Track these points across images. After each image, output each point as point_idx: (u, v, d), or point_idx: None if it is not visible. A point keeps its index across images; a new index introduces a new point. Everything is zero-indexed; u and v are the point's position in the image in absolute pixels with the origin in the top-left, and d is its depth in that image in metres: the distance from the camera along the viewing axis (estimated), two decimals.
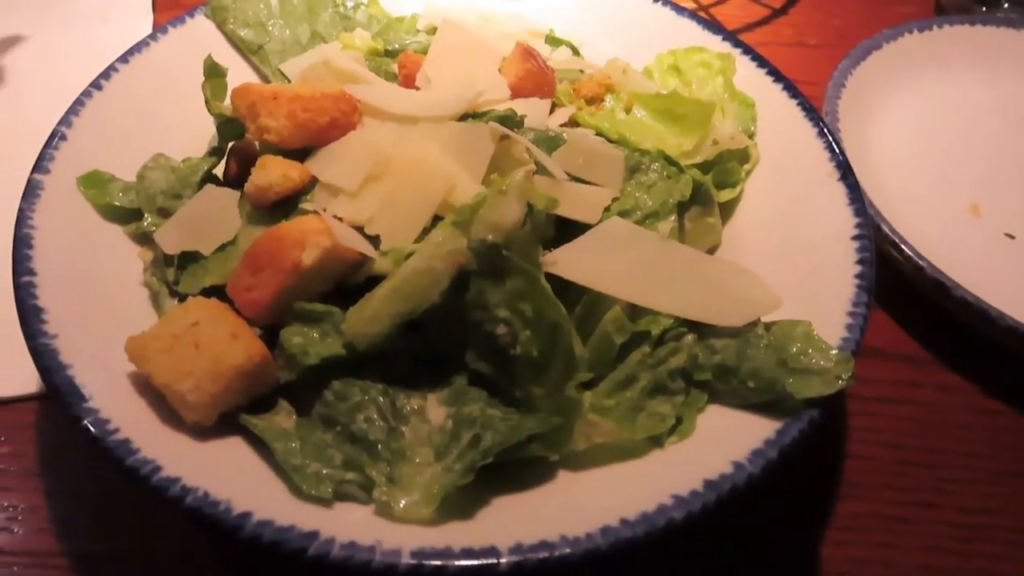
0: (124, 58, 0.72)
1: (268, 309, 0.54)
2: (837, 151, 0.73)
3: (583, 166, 0.65)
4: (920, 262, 0.77)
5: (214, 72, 0.63)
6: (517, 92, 0.69)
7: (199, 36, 0.78)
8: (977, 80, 1.07)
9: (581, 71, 0.80)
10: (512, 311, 0.54)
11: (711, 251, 0.73)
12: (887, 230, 0.80)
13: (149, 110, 0.71)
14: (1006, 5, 1.21)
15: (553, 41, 0.87)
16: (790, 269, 0.67)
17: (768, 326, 0.60)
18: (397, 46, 0.77)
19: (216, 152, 0.65)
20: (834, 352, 0.57)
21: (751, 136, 0.78)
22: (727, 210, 0.75)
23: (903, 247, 0.79)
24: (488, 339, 0.54)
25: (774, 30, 1.20)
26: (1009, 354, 0.77)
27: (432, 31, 0.82)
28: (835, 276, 0.64)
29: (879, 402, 0.76)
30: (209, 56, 0.63)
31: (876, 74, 1.01)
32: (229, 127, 0.62)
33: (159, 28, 0.76)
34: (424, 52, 0.75)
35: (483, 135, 0.60)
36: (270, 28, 0.80)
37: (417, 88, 0.69)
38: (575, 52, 0.87)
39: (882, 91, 1.01)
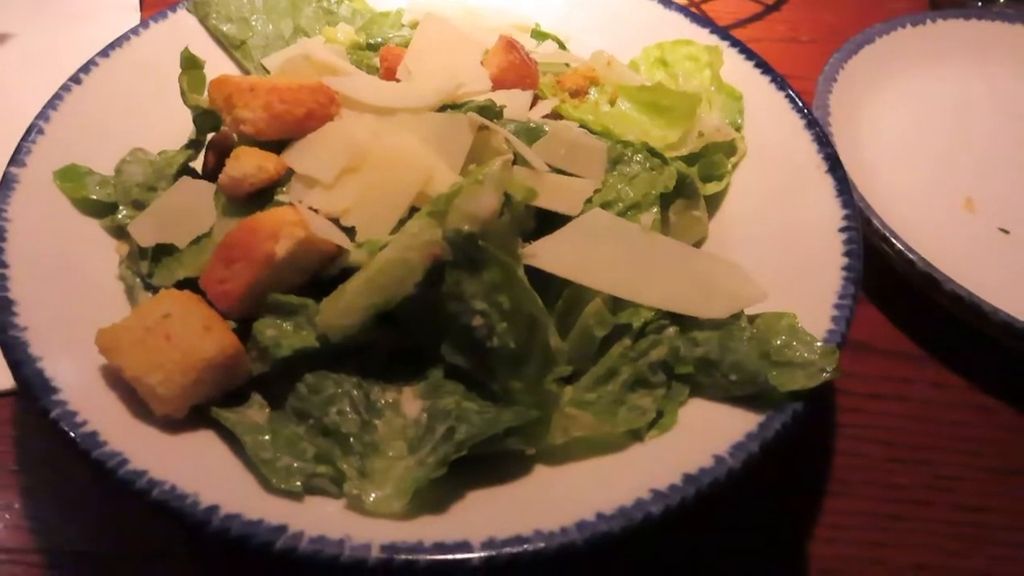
0: (104, 52, 0.72)
1: (241, 301, 0.53)
2: (825, 143, 0.72)
3: (564, 157, 0.64)
4: (910, 256, 0.76)
5: (191, 64, 0.62)
6: (499, 84, 0.68)
7: (181, 31, 0.77)
8: (971, 74, 1.06)
9: (566, 64, 0.79)
10: (489, 303, 0.53)
11: (697, 244, 0.72)
12: (878, 224, 0.79)
13: (129, 104, 0.71)
14: (1001, 0, 1.20)
15: (539, 35, 0.86)
16: (776, 261, 0.66)
17: (752, 318, 0.59)
18: (380, 40, 0.76)
19: (193, 145, 0.64)
20: (819, 345, 0.56)
21: (738, 129, 0.77)
22: (713, 203, 0.74)
23: (893, 241, 0.78)
24: (464, 331, 0.53)
25: (767, 26, 1.19)
26: (1003, 350, 0.76)
27: (416, 26, 0.81)
28: (822, 268, 0.63)
29: (871, 398, 0.75)
30: (186, 48, 0.63)
31: (868, 68, 1.00)
32: (206, 119, 0.62)
33: (141, 23, 0.76)
34: (406, 46, 0.74)
35: (461, 126, 0.59)
36: (253, 23, 0.80)
37: (398, 81, 0.69)
38: (561, 46, 0.86)
39: (874, 86, 1.00)
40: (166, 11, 0.78)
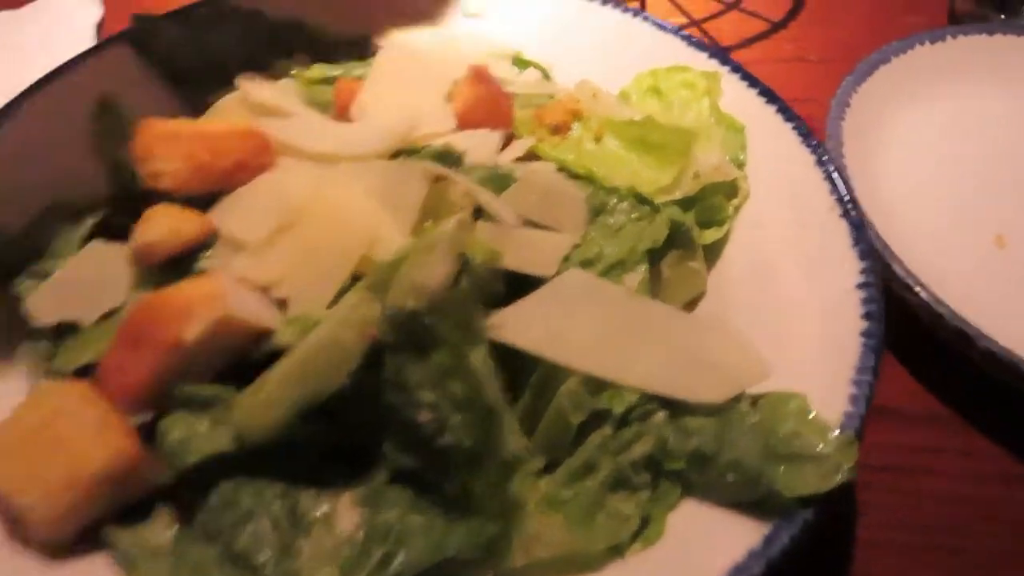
0: (26, 94, 0.64)
1: (142, 394, 0.45)
2: (838, 182, 0.63)
3: (538, 208, 0.55)
4: (939, 309, 0.67)
5: (107, 110, 0.54)
6: (465, 122, 0.60)
7: (120, 67, 0.69)
8: (998, 94, 0.96)
9: (551, 96, 0.71)
10: (438, 392, 0.45)
11: (695, 300, 0.64)
12: (899, 270, 0.70)
13: (49, 154, 0.62)
14: None
15: (521, 63, 0.78)
16: (784, 324, 0.57)
17: (756, 400, 0.50)
18: (340, 73, 0.68)
19: (112, 202, 0.56)
20: (833, 434, 0.47)
21: (740, 166, 0.68)
22: (714, 252, 0.65)
23: (919, 290, 0.68)
24: (410, 427, 0.45)
25: (773, 45, 1.10)
26: None
27: None
28: (836, 334, 0.54)
29: (893, 472, 0.65)
30: (102, 93, 0.55)
31: (884, 91, 0.91)
32: (123, 172, 0.54)
33: (73, 59, 0.68)
34: None
35: (413, 176, 0.51)
36: (201, 53, 0.72)
37: (351, 120, 0.61)
38: (545, 75, 0.78)
39: (891, 109, 0.91)
40: (103, 44, 0.70)
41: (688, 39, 0.76)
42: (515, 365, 0.51)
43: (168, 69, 0.71)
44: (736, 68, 0.73)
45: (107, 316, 0.50)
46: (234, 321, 0.46)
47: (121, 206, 0.54)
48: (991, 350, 0.65)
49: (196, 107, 0.69)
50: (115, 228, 0.53)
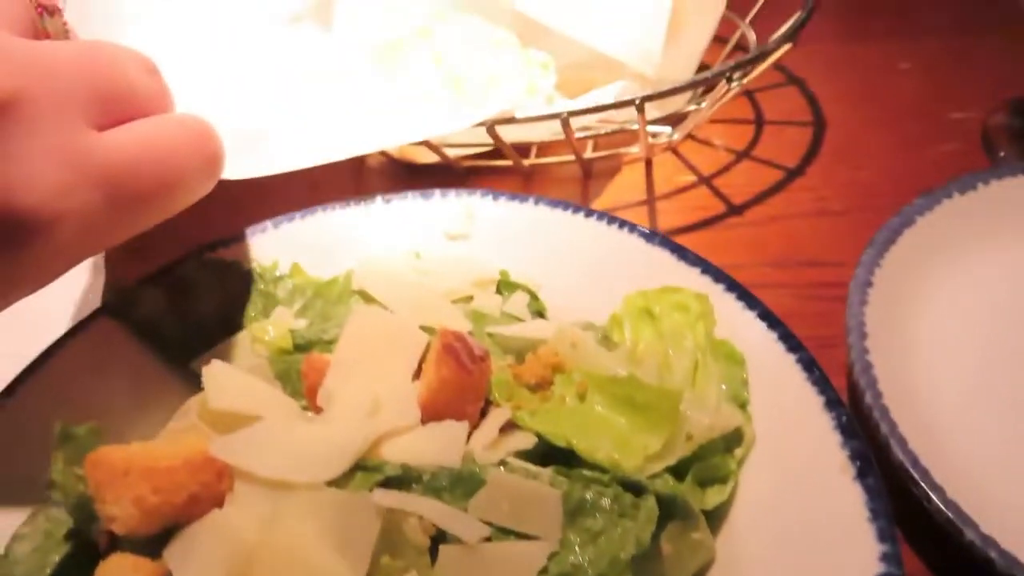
0: (8, 391, 0.65)
1: None
2: (851, 433, 0.57)
3: (509, 513, 0.51)
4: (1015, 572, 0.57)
5: (67, 438, 0.54)
6: (431, 409, 0.57)
7: (102, 343, 0.70)
8: None
9: (537, 341, 0.67)
10: None
11: (703, 570, 0.58)
12: (952, 517, 0.60)
13: (31, 458, 0.60)
14: None
15: (507, 287, 0.75)
16: None
17: None
18: (309, 339, 0.67)
19: (74, 535, 0.54)
20: None
21: (743, 405, 0.63)
22: (719, 511, 0.59)
23: (992, 554, 0.58)
24: None
25: (788, 198, 1.05)
26: None
27: (368, 298, 0.72)
28: None
29: None
30: (60, 423, 0.54)
31: (911, 260, 0.84)
32: (80, 511, 0.52)
33: (55, 343, 0.69)
34: None
35: (365, 511, 0.48)
36: (182, 314, 0.72)
37: (318, 407, 0.58)
38: (533, 297, 0.75)
39: (923, 284, 0.84)
40: (83, 322, 0.70)
41: (678, 250, 0.72)
42: None
43: (152, 336, 0.72)
44: (732, 286, 0.69)
45: None
46: None
47: (82, 544, 0.53)
48: None
49: (185, 376, 0.69)
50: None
